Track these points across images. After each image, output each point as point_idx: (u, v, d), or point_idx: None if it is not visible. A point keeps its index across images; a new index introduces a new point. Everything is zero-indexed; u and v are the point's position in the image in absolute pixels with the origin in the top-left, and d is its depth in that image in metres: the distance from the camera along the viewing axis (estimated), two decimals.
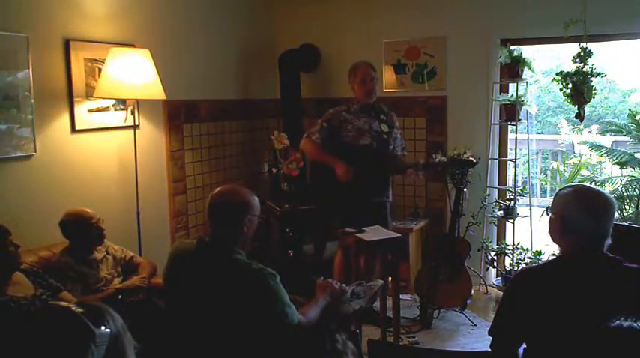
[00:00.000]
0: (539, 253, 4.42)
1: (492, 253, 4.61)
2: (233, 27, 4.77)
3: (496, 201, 4.58)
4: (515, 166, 4.83)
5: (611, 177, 5.38)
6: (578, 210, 1.90)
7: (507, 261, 4.58)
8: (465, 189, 4.20)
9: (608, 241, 1.92)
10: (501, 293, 4.22)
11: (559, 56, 8.24)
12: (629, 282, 1.87)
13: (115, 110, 3.64)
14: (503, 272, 4.53)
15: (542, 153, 8.01)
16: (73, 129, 3.38)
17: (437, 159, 4.07)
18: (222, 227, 2.22)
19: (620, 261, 1.91)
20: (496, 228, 4.73)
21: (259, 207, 2.29)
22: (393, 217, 4.68)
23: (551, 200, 2.06)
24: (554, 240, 2.00)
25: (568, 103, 4.04)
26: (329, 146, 3.78)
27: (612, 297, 1.83)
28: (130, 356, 1.17)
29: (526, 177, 5.67)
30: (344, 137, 3.77)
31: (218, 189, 2.30)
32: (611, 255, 1.92)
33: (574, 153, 7.65)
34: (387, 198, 3.94)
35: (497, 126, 4.61)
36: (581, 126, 7.64)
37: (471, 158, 3.96)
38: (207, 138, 4.52)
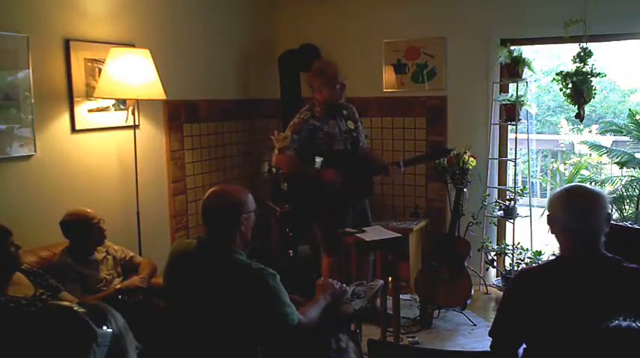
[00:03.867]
0: (539, 253, 4.42)
1: (492, 253, 4.61)
2: (233, 27, 4.76)
3: (496, 201, 4.58)
4: (515, 166, 4.83)
5: (611, 177, 5.38)
6: (561, 210, 1.94)
7: (507, 261, 4.58)
8: (465, 189, 4.20)
9: (603, 238, 1.92)
10: (501, 293, 4.23)
11: (559, 56, 8.24)
12: (628, 282, 1.87)
13: (115, 110, 3.64)
14: (503, 272, 4.53)
15: (542, 153, 8.02)
16: (73, 129, 3.38)
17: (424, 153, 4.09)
18: (220, 229, 2.22)
19: (620, 261, 1.92)
20: (496, 228, 4.72)
21: (253, 202, 2.28)
22: (394, 217, 4.70)
23: None
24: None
25: (568, 103, 4.04)
26: (304, 153, 3.65)
27: (612, 297, 1.83)
28: (131, 357, 1.17)
29: (526, 177, 5.67)
30: (317, 146, 3.65)
31: (209, 191, 2.28)
32: (610, 255, 1.93)
33: (574, 153, 7.65)
34: (367, 197, 3.90)
35: (497, 126, 4.61)
36: (582, 126, 7.64)
37: (446, 147, 4.00)
38: (207, 138, 4.52)
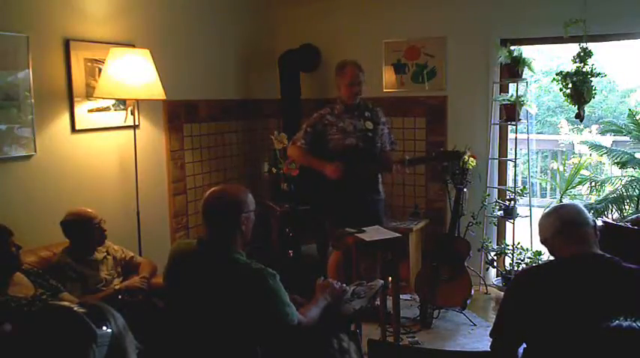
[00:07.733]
0: (539, 253, 4.42)
1: (492, 253, 4.62)
2: (233, 27, 4.77)
3: (496, 201, 4.58)
4: (515, 166, 4.83)
5: (610, 177, 5.37)
6: (551, 233, 2.05)
7: (507, 261, 4.58)
8: (465, 189, 4.20)
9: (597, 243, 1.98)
10: (501, 293, 4.23)
11: (559, 56, 8.24)
12: (628, 282, 1.87)
13: (115, 110, 3.64)
14: (503, 273, 4.54)
15: (542, 153, 8.01)
16: (73, 129, 3.38)
17: (432, 155, 4.07)
18: (220, 229, 2.22)
19: (619, 261, 1.92)
20: (496, 228, 4.73)
21: (253, 201, 2.29)
22: (394, 217, 4.70)
23: (551, 200, 2.15)
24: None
25: (568, 103, 4.04)
26: (315, 149, 3.80)
27: (612, 297, 1.83)
28: (131, 357, 1.17)
29: (526, 177, 5.67)
30: (329, 140, 3.79)
31: (210, 191, 2.28)
32: (609, 255, 1.93)
33: (574, 153, 7.64)
34: (377, 195, 3.93)
35: (497, 126, 4.61)
36: (581, 126, 7.63)
37: (457, 150, 3.96)
38: (207, 138, 4.52)
